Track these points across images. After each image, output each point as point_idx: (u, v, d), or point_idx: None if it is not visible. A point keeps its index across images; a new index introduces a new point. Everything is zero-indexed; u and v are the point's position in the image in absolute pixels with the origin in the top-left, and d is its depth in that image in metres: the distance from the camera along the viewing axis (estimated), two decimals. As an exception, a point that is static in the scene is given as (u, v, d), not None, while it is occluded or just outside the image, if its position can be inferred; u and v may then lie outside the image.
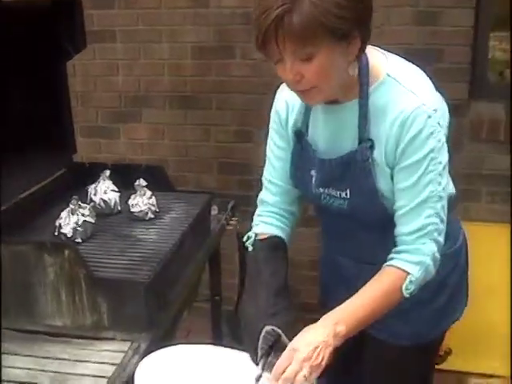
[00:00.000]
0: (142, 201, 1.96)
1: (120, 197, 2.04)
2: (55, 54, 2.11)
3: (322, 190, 1.49)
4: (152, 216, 1.98)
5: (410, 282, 1.37)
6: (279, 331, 1.34)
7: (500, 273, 2.77)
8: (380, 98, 1.37)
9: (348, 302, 1.37)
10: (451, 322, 1.67)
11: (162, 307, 1.71)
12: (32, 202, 2.01)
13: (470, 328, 2.76)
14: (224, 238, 2.29)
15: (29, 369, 1.48)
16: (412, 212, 1.38)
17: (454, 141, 2.72)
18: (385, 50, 1.50)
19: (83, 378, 1.46)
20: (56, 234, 1.81)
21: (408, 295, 1.38)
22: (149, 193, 1.98)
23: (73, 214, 1.80)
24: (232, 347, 1.49)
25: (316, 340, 1.29)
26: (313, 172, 1.48)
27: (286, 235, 1.58)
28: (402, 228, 1.40)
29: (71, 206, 1.80)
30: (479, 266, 2.70)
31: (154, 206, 1.98)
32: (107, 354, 1.55)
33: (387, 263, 1.40)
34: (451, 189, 1.55)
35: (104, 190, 2.01)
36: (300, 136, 1.49)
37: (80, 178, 2.17)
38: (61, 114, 2.21)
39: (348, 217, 1.50)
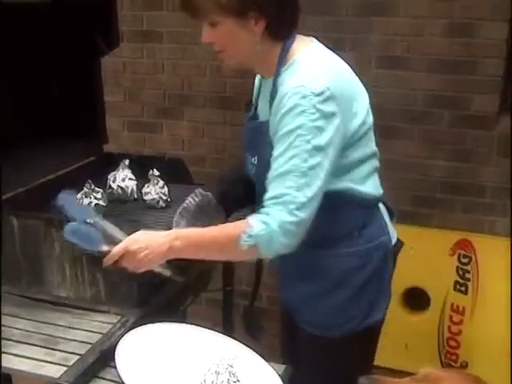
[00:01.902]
0: (155, 190, 2.10)
1: (137, 185, 2.18)
2: (91, 51, 2.28)
3: (246, 154, 1.67)
4: (163, 205, 2.11)
5: (248, 235, 1.45)
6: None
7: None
8: (283, 78, 1.53)
9: (196, 229, 1.55)
10: (365, 322, 1.68)
11: (156, 288, 1.84)
12: (58, 183, 2.17)
13: (487, 342, 2.77)
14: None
15: (26, 330, 1.65)
16: (274, 180, 1.47)
17: (482, 154, 2.77)
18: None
19: (71, 342, 1.60)
20: (70, 214, 1.97)
21: (242, 246, 1.45)
22: (161, 182, 2.11)
23: (86, 197, 1.95)
24: (243, 339, 1.61)
25: (148, 243, 1.48)
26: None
27: None
28: (266, 195, 1.49)
29: (85, 189, 1.96)
30: (504, 282, 2.71)
31: (165, 195, 2.11)
32: (98, 324, 1.69)
33: None
34: (372, 190, 1.64)
35: (122, 178, 2.16)
36: (248, 104, 1.72)
37: (107, 166, 2.33)
38: (94, 107, 2.38)
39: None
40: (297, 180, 1.43)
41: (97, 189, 1.99)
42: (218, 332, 1.67)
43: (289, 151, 1.44)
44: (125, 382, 1.42)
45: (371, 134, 1.65)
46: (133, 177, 2.18)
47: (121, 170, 2.17)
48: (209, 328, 1.67)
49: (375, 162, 1.66)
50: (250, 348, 1.59)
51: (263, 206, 1.49)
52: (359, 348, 1.71)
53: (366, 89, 1.67)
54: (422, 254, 2.84)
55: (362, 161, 1.60)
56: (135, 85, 3.31)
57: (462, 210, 2.88)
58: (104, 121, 2.42)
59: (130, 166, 2.19)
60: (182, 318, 2.12)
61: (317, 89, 1.44)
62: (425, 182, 2.92)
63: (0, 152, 1.87)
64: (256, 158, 1.62)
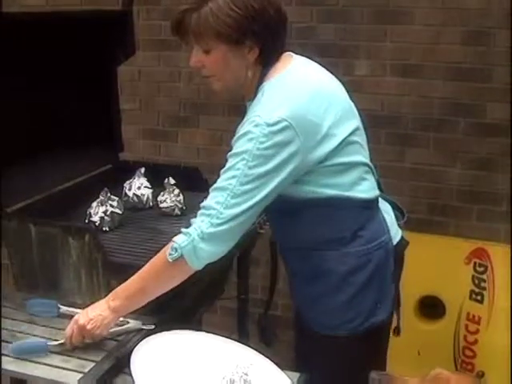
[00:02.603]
0: (170, 198, 2.12)
1: (153, 193, 2.20)
2: (107, 59, 2.31)
3: None
4: (179, 212, 2.13)
5: (173, 248, 1.51)
6: None
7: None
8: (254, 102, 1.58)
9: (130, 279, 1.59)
10: (368, 322, 1.70)
11: (172, 295, 1.85)
12: (76, 191, 2.20)
13: (503, 351, 2.74)
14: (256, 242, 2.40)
15: (42, 337, 1.66)
16: (211, 192, 1.53)
17: (497, 162, 2.76)
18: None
19: (87, 349, 1.61)
20: (87, 221, 2.00)
21: (171, 260, 1.51)
22: (177, 190, 2.13)
23: (102, 205, 1.97)
24: (257, 347, 1.62)
25: (93, 313, 1.58)
26: None
27: None
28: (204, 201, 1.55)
29: (101, 197, 1.98)
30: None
31: (181, 203, 2.13)
32: (114, 331, 1.70)
33: None
34: (362, 194, 1.65)
35: (138, 186, 2.18)
36: None
37: (123, 175, 2.35)
38: (110, 116, 2.41)
39: None
40: (228, 199, 1.49)
41: (113, 197, 2.01)
42: (234, 340, 1.68)
43: (230, 171, 1.50)
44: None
45: (357, 148, 1.65)
46: (148, 185, 2.20)
47: (136, 178, 2.19)
48: (224, 336, 1.68)
49: (363, 169, 1.67)
50: (265, 356, 1.60)
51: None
52: (366, 347, 1.73)
53: (356, 106, 1.69)
54: (437, 263, 2.82)
55: (346, 170, 1.62)
56: (151, 93, 3.33)
57: (477, 218, 2.87)
58: (120, 129, 2.44)
59: (145, 174, 2.21)
60: (197, 326, 2.13)
61: (271, 119, 1.47)
62: (440, 190, 2.92)
63: (18, 160, 1.90)
64: None
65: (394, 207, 1.85)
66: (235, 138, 1.53)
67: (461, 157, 2.85)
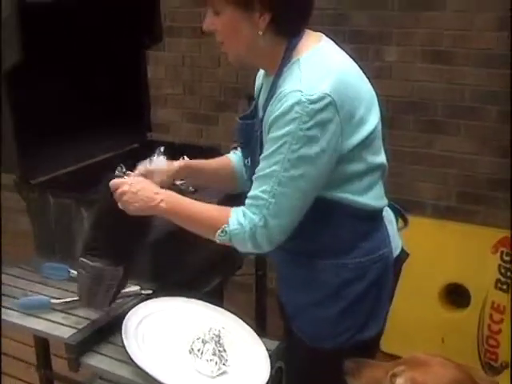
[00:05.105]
0: (184, 175, 2.22)
1: (170, 171, 2.31)
2: (135, 43, 2.44)
3: (242, 153, 1.66)
4: (192, 189, 2.23)
5: (223, 231, 1.49)
6: None
7: None
8: (284, 78, 1.48)
9: (187, 199, 1.61)
10: (357, 338, 1.60)
11: (177, 265, 1.96)
12: (99, 167, 2.34)
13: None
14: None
15: (51, 296, 1.81)
16: (256, 180, 1.48)
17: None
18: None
19: (87, 309, 1.75)
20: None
21: (218, 239, 1.51)
22: (191, 169, 2.23)
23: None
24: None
25: (144, 193, 1.61)
26: None
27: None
28: (250, 190, 1.51)
29: (116, 172, 2.10)
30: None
31: (194, 179, 2.23)
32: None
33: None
34: (372, 201, 1.56)
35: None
36: (250, 99, 1.70)
37: (148, 153, 2.47)
38: (139, 97, 2.54)
39: None
40: (273, 186, 1.44)
41: (128, 172, 2.13)
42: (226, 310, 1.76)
43: (273, 156, 1.43)
44: (126, 348, 1.55)
45: (379, 144, 1.58)
46: (166, 163, 2.30)
47: (156, 156, 2.31)
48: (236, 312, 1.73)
49: (380, 172, 1.58)
50: (246, 323, 1.69)
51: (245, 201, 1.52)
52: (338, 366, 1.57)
53: (377, 93, 1.59)
54: (464, 251, 2.82)
55: (365, 172, 1.53)
56: (193, 78, 3.46)
57: (506, 207, 2.83)
58: (149, 110, 2.57)
59: (165, 153, 2.32)
60: (216, 301, 2.20)
61: (314, 95, 1.39)
62: (470, 178, 2.90)
63: (46, 135, 2.06)
64: (249, 159, 1.60)
65: (398, 214, 1.75)
66: (272, 117, 1.44)
67: (491, 145, 2.82)
